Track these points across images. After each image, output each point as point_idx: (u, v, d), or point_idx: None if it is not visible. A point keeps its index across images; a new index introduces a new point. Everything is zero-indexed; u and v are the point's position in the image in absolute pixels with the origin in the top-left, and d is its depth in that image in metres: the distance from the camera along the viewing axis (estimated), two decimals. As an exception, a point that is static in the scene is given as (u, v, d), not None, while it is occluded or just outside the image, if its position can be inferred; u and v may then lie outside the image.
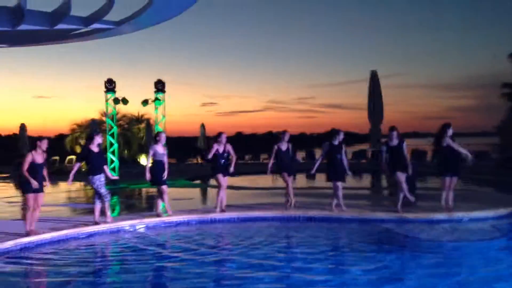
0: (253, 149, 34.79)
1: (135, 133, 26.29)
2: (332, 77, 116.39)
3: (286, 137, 10.18)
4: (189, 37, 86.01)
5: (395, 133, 9.80)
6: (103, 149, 9.06)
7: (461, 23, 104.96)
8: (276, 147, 10.13)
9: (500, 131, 23.86)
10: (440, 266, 6.27)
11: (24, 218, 7.97)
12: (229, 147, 9.93)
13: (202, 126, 29.50)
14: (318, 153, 27.01)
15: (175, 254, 7.23)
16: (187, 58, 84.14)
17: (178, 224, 9.43)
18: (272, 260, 6.75)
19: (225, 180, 9.95)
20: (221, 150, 9.81)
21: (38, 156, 7.93)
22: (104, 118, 22.91)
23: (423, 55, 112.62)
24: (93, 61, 70.93)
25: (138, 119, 27.24)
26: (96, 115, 26.33)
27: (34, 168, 7.82)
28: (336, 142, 9.89)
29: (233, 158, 10.02)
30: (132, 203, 13.30)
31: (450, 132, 9.59)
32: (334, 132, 9.96)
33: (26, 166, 7.76)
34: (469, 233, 8.47)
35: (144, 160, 21.37)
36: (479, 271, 6.06)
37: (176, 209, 10.01)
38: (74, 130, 27.52)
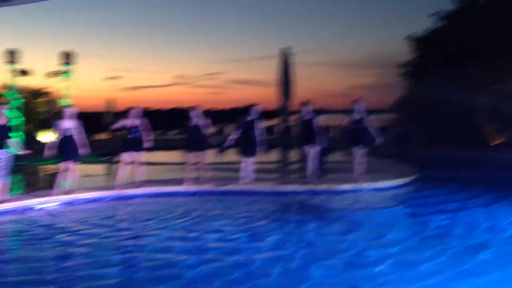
0: (160, 124, 34.09)
1: (34, 108, 24.57)
2: (241, 53, 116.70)
3: (193, 113, 10.01)
4: (91, 7, 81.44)
5: (307, 108, 10.19)
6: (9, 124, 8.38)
7: (362, 3, 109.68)
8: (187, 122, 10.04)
9: (398, 108, 25.65)
10: (346, 231, 6.75)
11: None
12: (141, 122, 9.71)
13: (110, 101, 28.33)
14: (228, 128, 27.36)
15: (85, 231, 6.95)
16: (89, 29, 79.73)
17: (88, 201, 9.04)
18: (192, 232, 6.81)
19: (135, 156, 9.71)
20: (129, 124, 9.59)
21: None
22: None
23: (328, 34, 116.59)
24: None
25: (38, 93, 25.48)
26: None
27: None
28: (248, 118, 10.05)
29: (147, 133, 9.80)
30: (37, 181, 12.55)
31: (359, 106, 10.16)
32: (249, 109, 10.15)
33: None
34: (374, 201, 9.12)
35: (45, 137, 20.11)
36: (383, 234, 6.61)
37: (85, 186, 9.61)
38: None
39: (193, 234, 6.72)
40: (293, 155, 17.91)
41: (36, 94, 24.84)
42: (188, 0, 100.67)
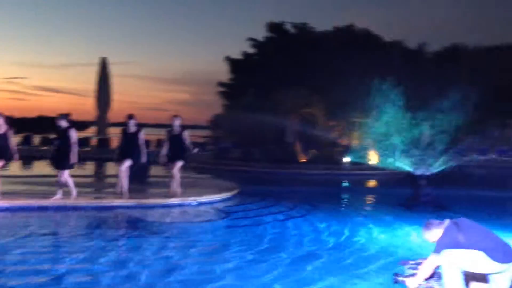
0: None
1: None
2: (51, 58, 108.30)
3: None
4: None
5: (132, 121, 10.01)
6: None
7: (183, 21, 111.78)
8: None
9: (215, 125, 26.73)
10: (169, 244, 6.81)
11: None
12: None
13: None
14: (36, 138, 24.96)
15: None
16: None
17: None
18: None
19: None
20: None
21: None
22: None
23: (150, 48, 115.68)
24: None
25: None
26: None
27: None
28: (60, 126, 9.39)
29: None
30: None
31: (177, 122, 10.30)
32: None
33: None
34: (199, 215, 9.35)
35: None
36: (207, 245, 6.88)
37: None
38: None
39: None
40: (111, 168, 17.23)
41: None
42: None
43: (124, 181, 9.87)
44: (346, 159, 19.05)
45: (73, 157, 9.24)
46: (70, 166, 9.32)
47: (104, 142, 23.32)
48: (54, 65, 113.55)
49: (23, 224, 7.77)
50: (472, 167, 21.69)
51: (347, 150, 19.58)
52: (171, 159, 10.29)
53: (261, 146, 20.53)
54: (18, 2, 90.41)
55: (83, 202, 9.31)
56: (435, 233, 4.28)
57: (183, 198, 10.10)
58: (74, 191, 9.42)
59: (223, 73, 29.06)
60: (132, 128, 10.01)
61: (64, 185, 9.32)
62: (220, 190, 11.22)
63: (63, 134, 9.27)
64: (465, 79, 28.48)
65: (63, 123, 9.33)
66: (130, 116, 10.06)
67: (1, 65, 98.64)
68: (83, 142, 25.40)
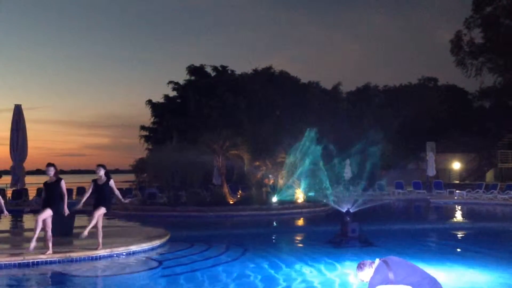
0: None
1: None
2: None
3: None
4: None
5: (52, 169, 9.57)
6: None
7: (101, 64, 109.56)
8: None
9: (139, 169, 26.22)
10: None
11: None
12: None
13: None
14: None
15: None
16: None
17: None
18: None
19: None
20: None
21: None
22: None
23: (64, 91, 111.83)
24: None
25: None
26: None
27: None
28: None
29: None
30: None
31: (102, 172, 10.00)
32: None
33: None
34: (130, 265, 9.08)
35: None
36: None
37: None
38: None
39: None
40: (29, 221, 16.29)
41: None
42: None
43: (47, 232, 9.31)
44: (274, 199, 19.40)
45: None
46: None
47: (20, 193, 22.02)
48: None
49: None
50: (392, 201, 22.98)
51: (274, 189, 19.96)
52: (95, 207, 9.90)
53: (188, 189, 20.40)
54: None
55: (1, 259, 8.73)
56: (367, 272, 4.54)
57: (112, 249, 9.77)
58: None
59: (145, 116, 28.78)
60: (52, 177, 9.58)
61: None
62: (149, 238, 10.96)
63: None
64: (376, 116, 30.57)
65: None
66: (49, 165, 9.62)
67: None
68: (-4, 193, 23.85)
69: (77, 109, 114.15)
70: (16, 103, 23.18)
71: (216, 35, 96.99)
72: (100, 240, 9.78)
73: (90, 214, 10.07)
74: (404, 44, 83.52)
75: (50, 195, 9.43)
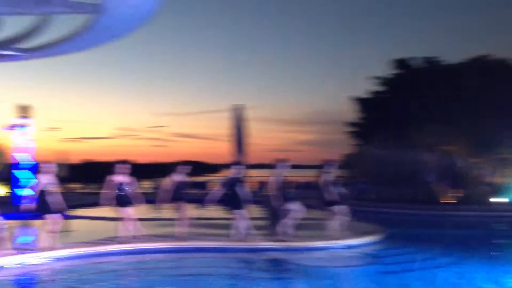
0: (102, 177, 33.09)
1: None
2: (185, 106, 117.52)
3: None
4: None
5: (284, 164, 10.45)
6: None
7: (310, 63, 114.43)
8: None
9: (348, 164, 26.59)
10: None
11: None
12: (131, 179, 9.73)
13: (60, 153, 27.36)
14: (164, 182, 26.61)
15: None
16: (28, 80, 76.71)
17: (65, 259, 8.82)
18: None
19: (125, 211, 9.63)
20: (118, 180, 9.54)
21: None
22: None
23: (272, 91, 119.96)
24: None
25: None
26: None
27: None
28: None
29: (136, 189, 9.81)
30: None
31: (329, 168, 10.56)
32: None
33: None
34: (346, 258, 9.36)
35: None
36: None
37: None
38: None
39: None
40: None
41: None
42: (132, 51, 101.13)
43: (284, 223, 10.25)
44: (496, 199, 17.70)
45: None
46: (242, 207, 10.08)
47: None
48: (189, 112, 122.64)
49: (175, 266, 8.52)
50: None
51: (497, 189, 18.19)
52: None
53: (397, 185, 19.92)
54: (151, 60, 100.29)
55: (231, 244, 9.90)
56: None
57: (329, 241, 10.22)
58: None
59: (345, 112, 29.03)
60: (281, 171, 10.43)
61: (242, 226, 10.06)
62: (365, 233, 11.13)
63: (235, 179, 10.09)
64: None
65: (235, 169, 10.18)
66: (280, 160, 10.49)
67: (145, 116, 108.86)
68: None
69: (283, 107, 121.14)
70: (235, 103, 25.75)
71: (420, 23, 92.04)
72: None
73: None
74: None
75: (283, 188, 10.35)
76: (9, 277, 7.75)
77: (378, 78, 33.75)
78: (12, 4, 9.86)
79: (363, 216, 15.92)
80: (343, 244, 10.24)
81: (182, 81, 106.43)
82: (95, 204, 16.63)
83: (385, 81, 33.49)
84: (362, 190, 20.65)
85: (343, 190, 10.78)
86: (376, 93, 33.88)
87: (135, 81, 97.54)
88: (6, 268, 8.08)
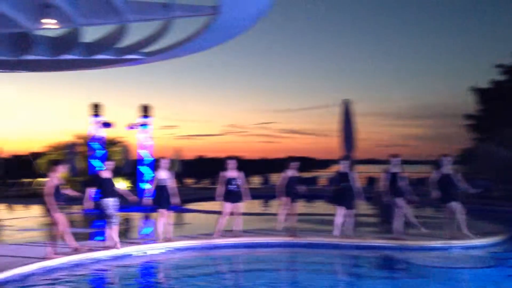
0: (215, 173, 34.33)
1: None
2: (294, 103, 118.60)
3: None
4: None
5: (396, 160, 10.18)
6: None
7: (419, 55, 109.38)
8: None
9: (464, 160, 24.94)
10: None
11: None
12: (239, 174, 10.03)
13: (176, 149, 28.98)
14: (273, 178, 27.02)
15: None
16: (140, 81, 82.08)
17: (188, 249, 9.44)
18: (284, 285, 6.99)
19: (233, 207, 9.98)
20: (229, 175, 9.89)
21: None
22: (79, 141, 22.65)
23: (378, 84, 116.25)
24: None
25: (113, 142, 26.69)
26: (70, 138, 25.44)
27: None
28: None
29: (244, 184, 10.10)
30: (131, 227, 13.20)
31: (446, 161, 10.10)
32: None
33: None
34: (465, 259, 8.86)
35: (120, 184, 20.85)
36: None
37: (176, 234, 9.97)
38: (48, 152, 26.27)
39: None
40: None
41: (110, 143, 26.06)
42: (241, 51, 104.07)
43: (398, 221, 10.02)
44: None
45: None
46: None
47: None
48: (296, 109, 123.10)
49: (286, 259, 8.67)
50: None
51: None
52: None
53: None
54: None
55: (343, 240, 9.86)
56: None
57: (447, 241, 9.73)
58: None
59: (458, 105, 27.09)
60: (394, 167, 10.18)
61: (347, 223, 10.07)
62: (485, 234, 10.41)
63: (346, 176, 10.11)
64: None
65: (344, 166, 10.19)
66: (393, 155, 10.24)
67: (256, 113, 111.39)
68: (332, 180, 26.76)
69: (389, 101, 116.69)
70: (343, 98, 25.42)
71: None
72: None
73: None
74: None
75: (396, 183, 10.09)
76: (137, 264, 8.47)
77: (501, 66, 31.11)
78: (140, 12, 10.61)
79: (482, 215, 14.92)
80: (463, 244, 9.69)
81: (290, 78, 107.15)
82: (207, 198, 17.66)
83: (508, 69, 30.81)
84: (482, 187, 19.25)
85: (466, 186, 10.18)
86: (498, 82, 31.31)
87: (245, 80, 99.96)
88: (134, 257, 8.79)
